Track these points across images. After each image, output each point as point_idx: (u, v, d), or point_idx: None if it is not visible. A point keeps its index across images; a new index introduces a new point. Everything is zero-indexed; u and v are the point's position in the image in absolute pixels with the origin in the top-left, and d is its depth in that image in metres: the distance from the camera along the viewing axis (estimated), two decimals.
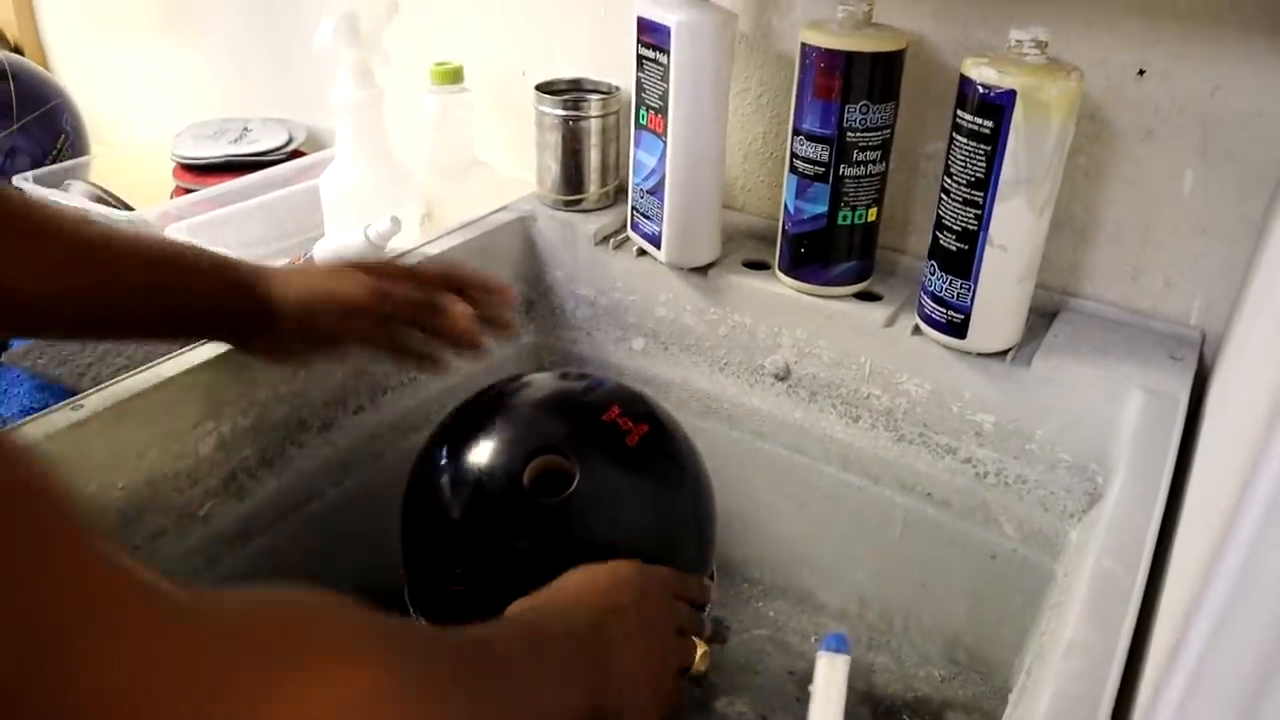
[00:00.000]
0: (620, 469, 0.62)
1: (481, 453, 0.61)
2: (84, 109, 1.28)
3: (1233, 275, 0.72)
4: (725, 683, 0.81)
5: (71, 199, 1.05)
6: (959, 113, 0.67)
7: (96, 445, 0.61)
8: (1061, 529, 0.73)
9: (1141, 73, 0.70)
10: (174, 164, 1.17)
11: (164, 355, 0.66)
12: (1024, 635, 0.76)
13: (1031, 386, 0.72)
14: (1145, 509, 0.57)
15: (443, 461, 0.62)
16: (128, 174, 1.19)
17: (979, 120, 0.65)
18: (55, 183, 1.09)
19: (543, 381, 0.68)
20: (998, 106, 0.64)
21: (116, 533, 0.62)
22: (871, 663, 0.85)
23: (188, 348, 0.67)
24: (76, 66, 1.54)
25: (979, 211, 0.67)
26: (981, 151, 0.66)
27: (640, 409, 0.65)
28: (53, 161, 1.16)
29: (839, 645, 0.67)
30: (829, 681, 0.65)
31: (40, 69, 1.25)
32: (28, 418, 0.59)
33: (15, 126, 1.15)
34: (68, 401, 0.61)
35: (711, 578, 0.68)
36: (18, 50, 1.51)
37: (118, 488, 0.62)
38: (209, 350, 0.67)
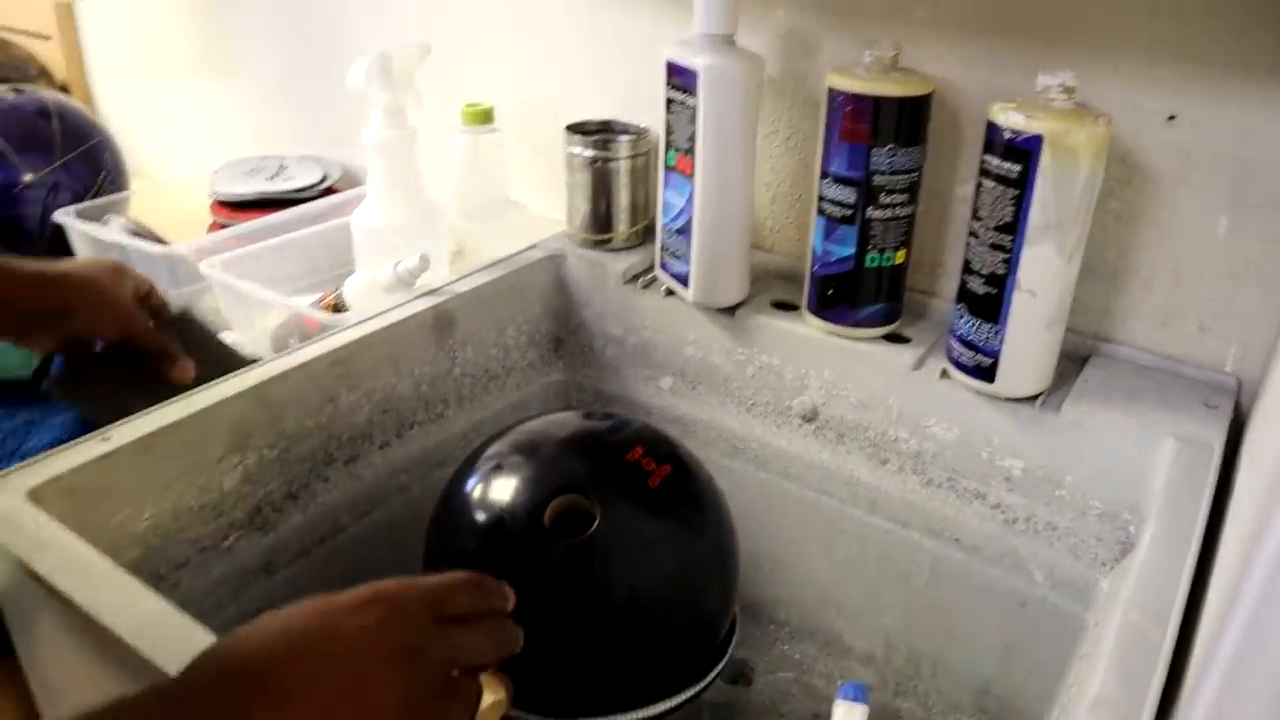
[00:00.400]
0: (642, 510, 0.61)
1: (504, 490, 0.61)
2: (127, 146, 1.30)
3: (1269, 321, 0.71)
4: None
5: (110, 233, 1.07)
6: (986, 157, 0.67)
7: (124, 477, 0.61)
8: (1092, 578, 0.72)
9: (1172, 118, 0.70)
10: (211, 200, 1.20)
11: (193, 389, 0.67)
12: (1054, 685, 0.74)
13: (1062, 432, 0.71)
14: (1176, 561, 0.55)
15: (465, 498, 0.62)
16: (167, 209, 1.21)
17: (1006, 164, 0.65)
18: (95, 217, 1.12)
19: (568, 420, 0.68)
20: (1025, 151, 0.63)
21: (141, 564, 0.63)
22: (898, 709, 0.83)
23: (216, 382, 0.68)
24: (121, 106, 1.58)
25: (1007, 255, 0.67)
26: (1010, 196, 0.65)
27: (664, 450, 0.65)
28: (94, 197, 1.19)
29: (857, 694, 0.65)
30: None
31: (83, 108, 1.28)
32: (56, 448, 0.60)
33: (59, 163, 1.17)
34: (96, 433, 0.62)
35: (734, 620, 0.67)
36: (65, 90, 1.55)
37: (144, 519, 0.63)
38: (237, 384, 0.68)
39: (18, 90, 1.21)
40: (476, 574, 0.50)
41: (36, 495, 0.56)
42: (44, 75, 1.54)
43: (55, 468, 0.59)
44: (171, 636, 0.47)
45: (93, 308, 0.69)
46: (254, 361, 0.72)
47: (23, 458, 0.74)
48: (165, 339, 0.72)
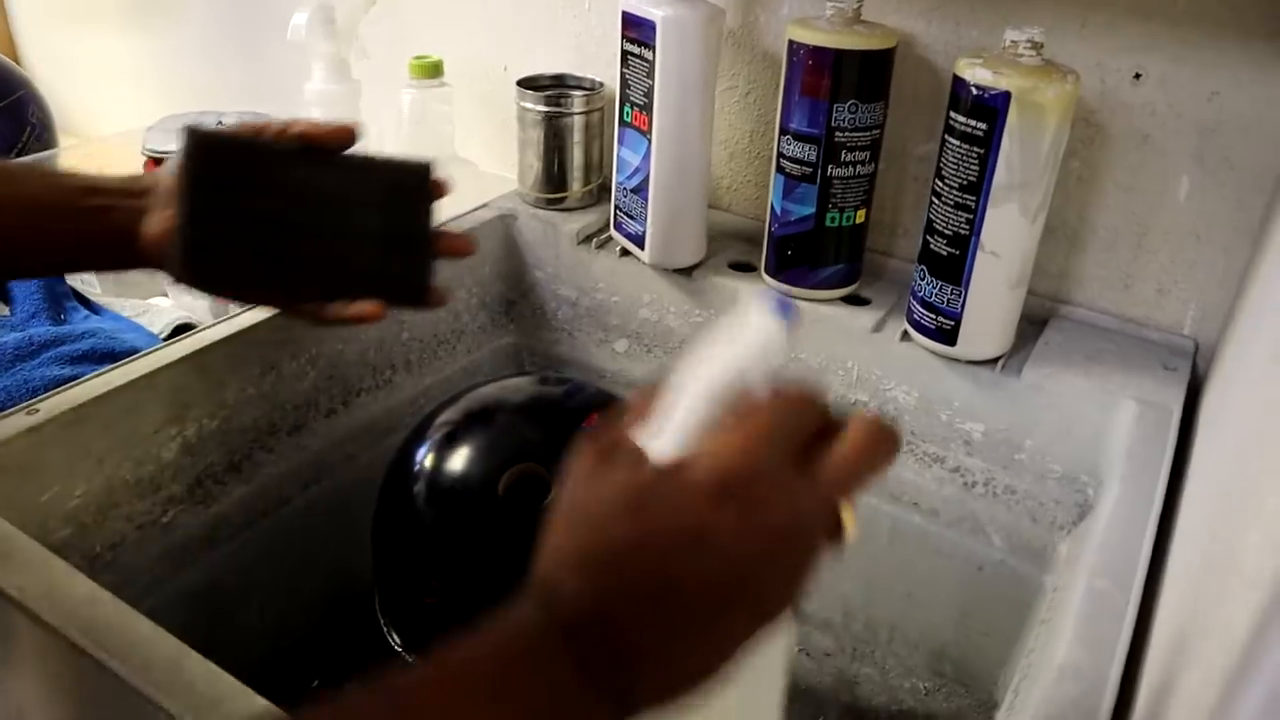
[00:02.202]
0: None
1: (457, 460, 0.59)
2: (54, 101, 1.24)
3: (1228, 284, 0.71)
4: None
5: None
6: (952, 114, 0.65)
7: (53, 451, 0.58)
8: (1050, 541, 0.72)
9: (1138, 76, 0.69)
10: (145, 157, 1.14)
11: (125, 359, 0.63)
12: (1010, 648, 0.74)
13: (1022, 395, 0.70)
14: (1138, 525, 0.55)
15: (417, 469, 0.60)
16: (97, 167, 1.16)
17: (972, 122, 0.63)
18: None
19: (521, 386, 0.66)
20: (992, 109, 0.62)
21: (73, 544, 0.60)
22: (855, 674, 0.83)
23: (150, 349, 0.64)
24: (46, 58, 1.50)
25: (971, 216, 0.66)
26: (974, 154, 0.64)
27: None
28: (19, 154, 1.13)
29: (784, 310, 0.43)
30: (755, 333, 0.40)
31: (7, 60, 1.22)
32: None
33: None
34: (22, 405, 0.58)
35: None
36: None
37: (75, 495, 0.60)
38: (173, 351, 0.65)
39: None
40: (796, 388, 0.36)
41: None
42: None
43: None
44: (104, 621, 0.44)
45: None
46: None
47: None
48: None
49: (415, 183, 0.61)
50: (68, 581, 0.46)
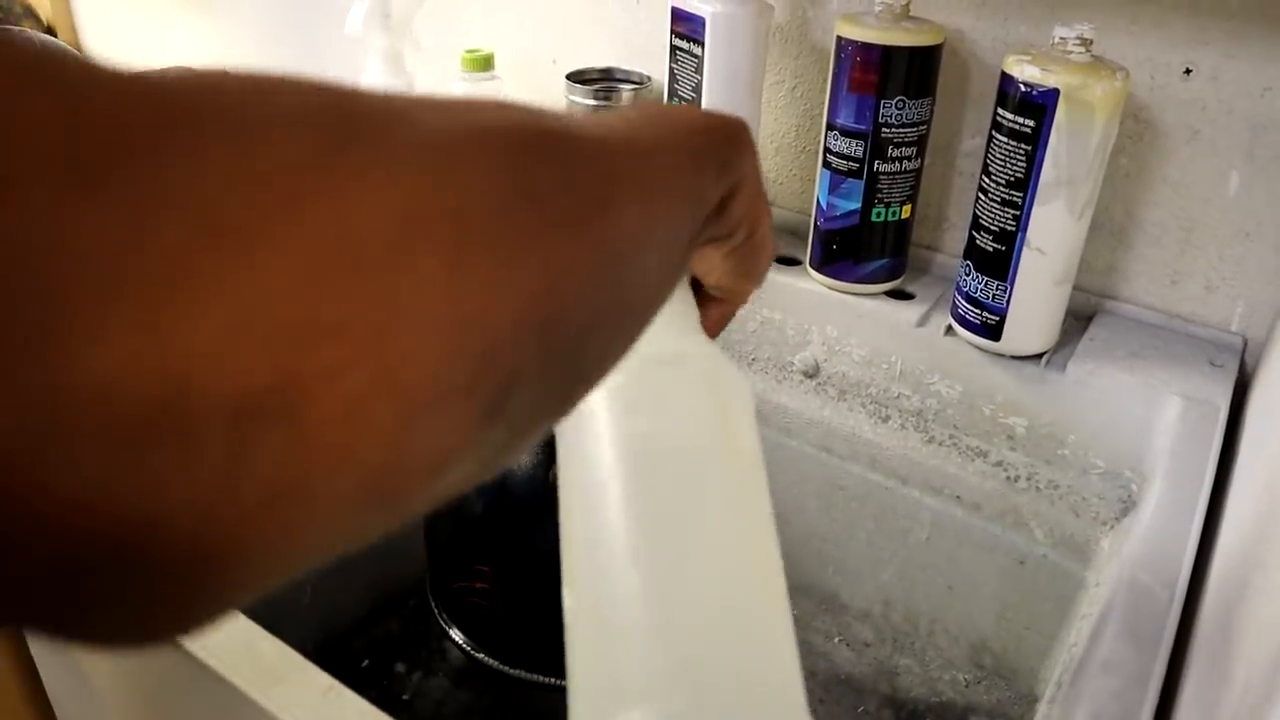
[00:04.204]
0: None
1: None
2: None
3: (1277, 280, 0.71)
4: None
5: None
6: (999, 111, 0.65)
7: None
8: (1093, 536, 0.72)
9: (1188, 72, 0.69)
10: None
11: None
12: (1051, 642, 0.75)
13: (1066, 391, 0.70)
14: (1183, 522, 0.55)
15: None
16: None
17: (1020, 119, 0.64)
18: None
19: None
20: (1040, 105, 0.62)
21: None
22: (895, 665, 0.84)
23: None
24: (109, 48, 1.54)
25: (1017, 212, 0.66)
26: (1022, 151, 0.64)
27: None
28: None
29: None
30: None
31: (71, 50, 1.25)
32: None
33: None
34: None
35: None
36: (51, 31, 1.52)
37: None
38: None
39: (3, 31, 1.17)
40: None
41: None
42: (30, 15, 1.50)
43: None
44: None
45: None
46: None
47: None
48: None
49: None
50: None
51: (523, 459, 0.60)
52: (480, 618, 0.60)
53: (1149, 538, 0.55)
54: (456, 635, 0.62)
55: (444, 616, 0.63)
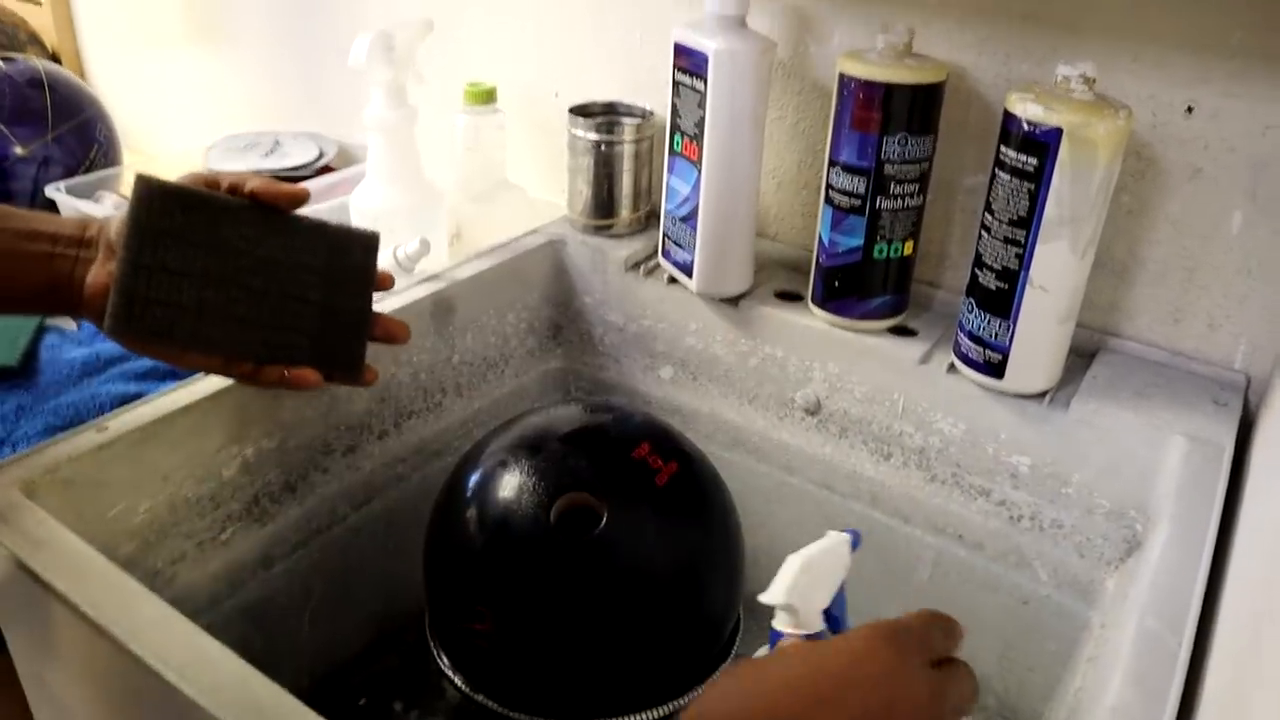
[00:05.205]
0: (649, 509, 0.60)
1: (508, 488, 0.60)
2: (119, 119, 1.28)
3: (1279, 318, 0.71)
4: None
5: (103, 209, 1.05)
6: (1002, 148, 0.65)
7: (121, 468, 0.60)
8: (1097, 576, 0.71)
9: (1190, 110, 0.69)
10: None
11: (189, 378, 0.65)
12: (1055, 684, 0.74)
13: (1069, 430, 0.70)
14: (1190, 565, 0.55)
15: (468, 495, 0.61)
16: None
17: (1023, 157, 0.64)
18: (87, 193, 1.10)
19: (571, 415, 0.67)
20: (1043, 144, 0.62)
21: (137, 560, 0.61)
22: None
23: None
24: (113, 76, 1.55)
25: (1020, 250, 0.66)
26: (1025, 189, 0.64)
27: (670, 446, 0.64)
28: (86, 171, 1.16)
29: (855, 540, 0.59)
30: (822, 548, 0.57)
31: (77, 79, 1.26)
32: (52, 439, 0.59)
33: (50, 136, 1.15)
34: (92, 423, 0.60)
35: (739, 618, 0.67)
36: (55, 59, 1.52)
37: (140, 512, 0.62)
38: None
39: (8, 59, 1.18)
40: (941, 613, 0.45)
41: (30, 488, 0.55)
42: (35, 42, 1.51)
43: (50, 458, 0.57)
44: (172, 640, 0.46)
45: None
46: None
47: (14, 446, 0.73)
48: None
49: (360, 255, 0.64)
50: (138, 601, 0.48)
51: (524, 497, 0.59)
52: (479, 658, 0.60)
53: (1155, 581, 0.54)
54: (456, 678, 0.61)
55: (444, 659, 0.62)
